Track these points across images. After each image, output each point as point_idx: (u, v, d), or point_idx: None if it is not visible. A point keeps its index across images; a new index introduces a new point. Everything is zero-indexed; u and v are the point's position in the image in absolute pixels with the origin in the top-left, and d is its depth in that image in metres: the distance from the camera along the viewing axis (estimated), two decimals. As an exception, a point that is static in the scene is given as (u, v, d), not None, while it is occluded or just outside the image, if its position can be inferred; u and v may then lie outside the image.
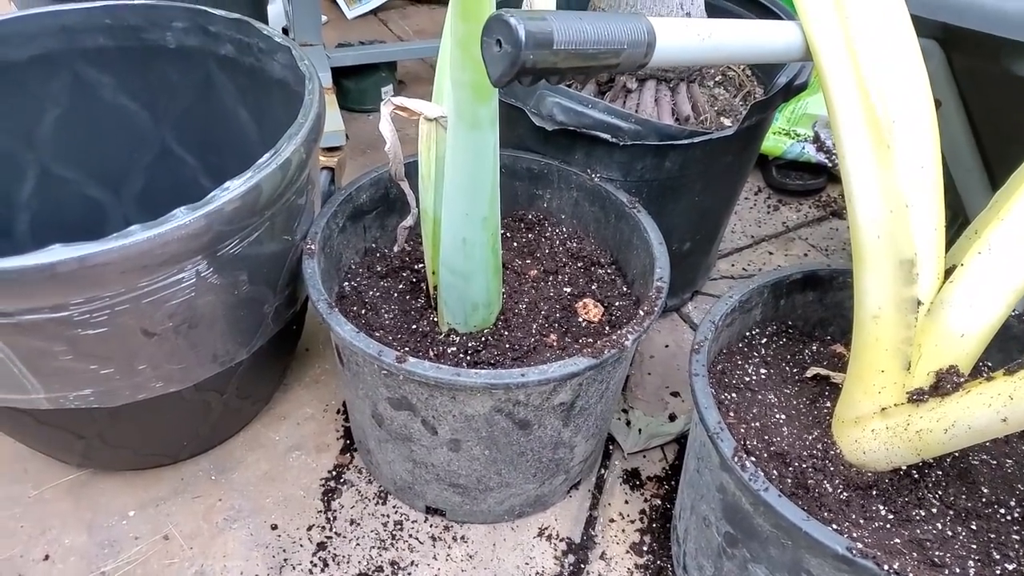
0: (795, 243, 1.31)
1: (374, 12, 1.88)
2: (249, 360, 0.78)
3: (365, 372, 0.73)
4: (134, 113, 0.95)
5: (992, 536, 0.64)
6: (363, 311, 0.84)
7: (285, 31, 1.58)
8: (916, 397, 0.61)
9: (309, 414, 0.96)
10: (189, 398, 0.75)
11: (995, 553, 0.62)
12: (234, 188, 0.63)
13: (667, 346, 1.10)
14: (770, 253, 1.29)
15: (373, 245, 0.92)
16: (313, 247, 0.77)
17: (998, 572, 0.61)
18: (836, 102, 0.57)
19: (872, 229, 0.59)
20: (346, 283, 0.87)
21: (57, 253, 0.56)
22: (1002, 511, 0.66)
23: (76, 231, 0.95)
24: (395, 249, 0.92)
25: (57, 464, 0.88)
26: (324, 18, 1.83)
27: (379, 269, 0.89)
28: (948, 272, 0.61)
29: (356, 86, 1.48)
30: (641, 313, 0.74)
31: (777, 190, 1.42)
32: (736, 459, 0.60)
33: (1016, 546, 0.63)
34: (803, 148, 1.37)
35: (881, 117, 0.55)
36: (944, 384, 0.60)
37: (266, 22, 1.34)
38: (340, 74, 1.46)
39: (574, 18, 0.42)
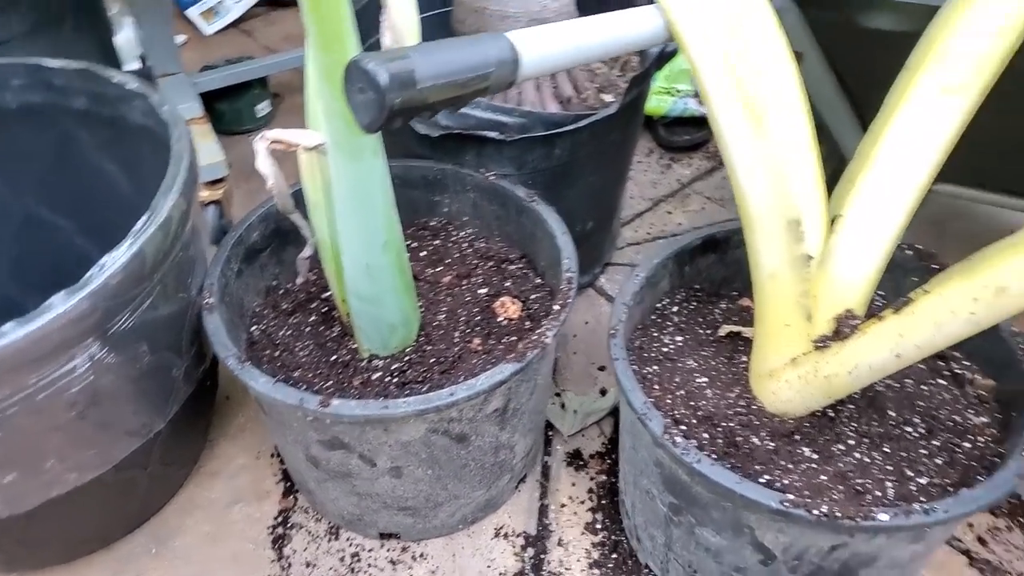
0: (691, 198, 1.35)
1: (235, 24, 1.80)
2: (167, 427, 0.75)
3: (290, 419, 0.72)
4: (-13, 184, 0.89)
5: (903, 455, 0.68)
6: (277, 353, 0.82)
7: (143, 59, 1.49)
8: (820, 344, 0.65)
9: (242, 464, 0.93)
10: (111, 481, 0.71)
11: (908, 471, 0.67)
12: (113, 262, 0.60)
13: (587, 323, 1.12)
14: (669, 212, 1.32)
15: (275, 282, 0.89)
16: (211, 300, 0.74)
17: (912, 488, 0.65)
18: (706, 81, 0.58)
19: (756, 195, 0.62)
20: (254, 327, 0.84)
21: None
22: (908, 429, 0.71)
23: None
24: (298, 282, 0.89)
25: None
26: (182, 38, 1.74)
27: (285, 306, 0.87)
28: (833, 221, 0.64)
29: (230, 107, 1.43)
30: (557, 307, 0.75)
31: (666, 148, 1.45)
32: (667, 436, 0.62)
33: (925, 460, 0.68)
34: (685, 104, 1.41)
35: (750, 90, 0.57)
36: (843, 328, 0.63)
37: (115, 56, 1.27)
38: (211, 97, 1.39)
39: (435, 50, 0.41)
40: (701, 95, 0.60)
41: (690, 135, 1.45)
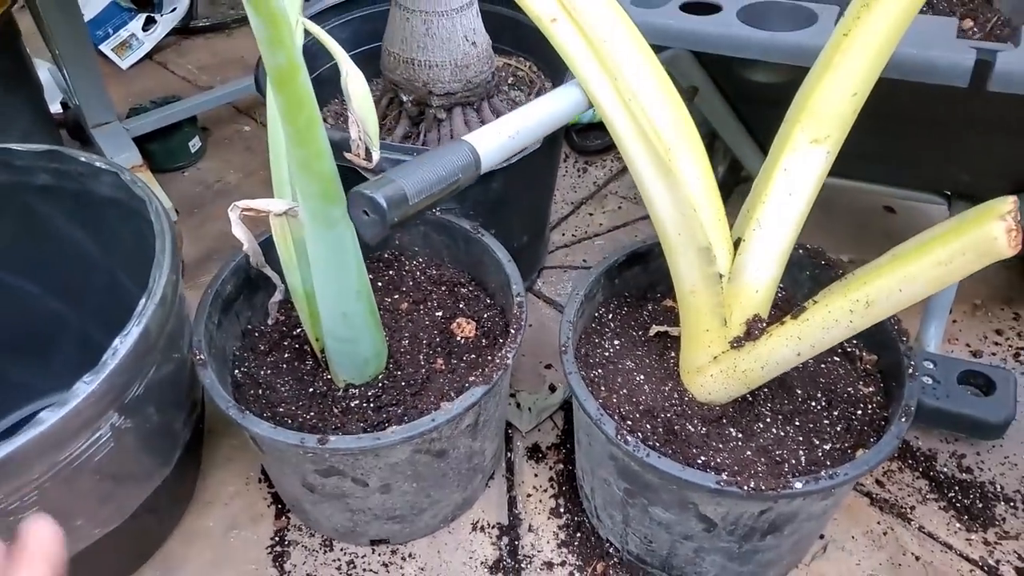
0: (608, 199, 1.48)
1: (149, 56, 1.80)
2: (172, 472, 0.83)
3: (289, 455, 0.80)
4: (-48, 257, 0.93)
5: (811, 427, 0.83)
6: (260, 392, 0.90)
7: (65, 105, 1.50)
8: (736, 344, 0.78)
9: (233, 492, 1.01)
10: (128, 527, 0.79)
11: (815, 439, 0.82)
12: (124, 344, 0.67)
13: (531, 325, 1.24)
14: (590, 214, 1.44)
15: (249, 326, 0.97)
16: (203, 356, 0.81)
17: (819, 454, 0.80)
18: (625, 142, 0.70)
19: (673, 229, 0.74)
20: (236, 371, 0.92)
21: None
22: (813, 403, 0.85)
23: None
24: (269, 323, 0.97)
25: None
26: (95, 74, 1.74)
27: (262, 348, 0.95)
28: (736, 243, 0.77)
29: (162, 147, 1.46)
30: (512, 331, 0.86)
31: (580, 152, 1.57)
32: (619, 437, 0.75)
33: (828, 429, 0.83)
34: (594, 111, 1.52)
35: (660, 148, 0.69)
36: (753, 330, 0.77)
37: (46, 109, 1.29)
38: (142, 139, 1.42)
39: (415, 169, 0.50)
40: (621, 151, 0.72)
41: (601, 139, 1.56)
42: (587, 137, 1.56)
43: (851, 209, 1.41)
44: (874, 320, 0.64)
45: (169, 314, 0.74)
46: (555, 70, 1.18)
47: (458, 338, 0.96)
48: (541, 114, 0.63)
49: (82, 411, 0.63)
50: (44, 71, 1.55)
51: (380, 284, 1.03)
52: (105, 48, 1.74)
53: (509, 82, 1.19)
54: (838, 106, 0.65)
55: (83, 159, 0.85)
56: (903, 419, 0.74)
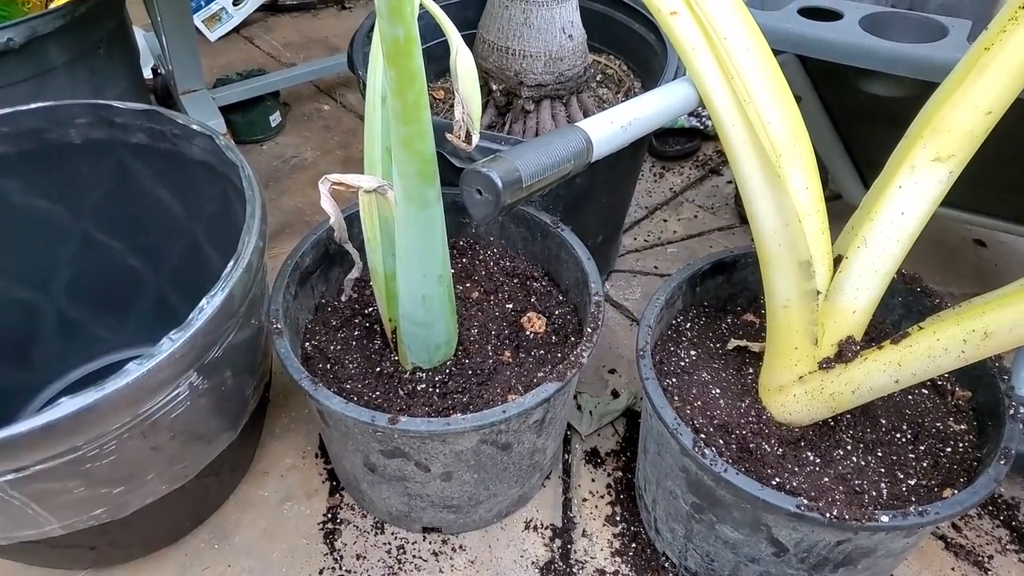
0: (684, 206, 1.44)
1: (236, 30, 1.83)
2: (238, 437, 0.83)
3: (355, 432, 0.80)
4: (48, 211, 0.94)
5: (894, 459, 0.79)
6: (328, 366, 0.90)
7: (155, 71, 1.53)
8: (825, 365, 0.75)
9: (290, 464, 1.01)
10: (191, 488, 0.79)
11: (899, 473, 0.78)
12: (210, 305, 0.67)
13: (596, 328, 1.21)
14: (664, 220, 1.41)
15: (322, 300, 0.97)
16: (280, 326, 0.81)
17: (903, 488, 0.76)
18: (733, 144, 0.67)
19: (774, 240, 0.71)
20: (307, 343, 0.92)
21: (65, 407, 0.59)
22: (898, 435, 0.82)
23: (9, 336, 0.95)
24: (343, 299, 0.97)
25: (58, 571, 0.89)
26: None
27: (333, 323, 0.95)
28: (836, 260, 0.74)
29: (243, 119, 1.48)
30: (589, 330, 0.84)
31: (659, 158, 1.54)
32: (696, 449, 0.72)
33: (913, 463, 0.79)
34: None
35: (770, 153, 0.66)
36: (845, 352, 0.74)
37: (140, 73, 1.31)
38: (225, 110, 1.44)
39: (531, 151, 0.49)
40: (727, 153, 0.69)
41: (681, 145, 1.54)
42: (667, 143, 1.53)
43: (938, 240, 1.36)
44: (989, 353, 0.60)
45: (253, 280, 0.74)
46: (646, 71, 1.16)
47: (527, 332, 0.95)
48: (653, 108, 0.61)
49: (165, 367, 0.64)
50: (140, 38, 1.59)
51: (453, 271, 1.02)
52: (196, 20, 1.77)
53: (598, 79, 1.18)
54: (969, 123, 0.61)
55: (180, 120, 0.86)
56: (1002, 461, 0.70)
